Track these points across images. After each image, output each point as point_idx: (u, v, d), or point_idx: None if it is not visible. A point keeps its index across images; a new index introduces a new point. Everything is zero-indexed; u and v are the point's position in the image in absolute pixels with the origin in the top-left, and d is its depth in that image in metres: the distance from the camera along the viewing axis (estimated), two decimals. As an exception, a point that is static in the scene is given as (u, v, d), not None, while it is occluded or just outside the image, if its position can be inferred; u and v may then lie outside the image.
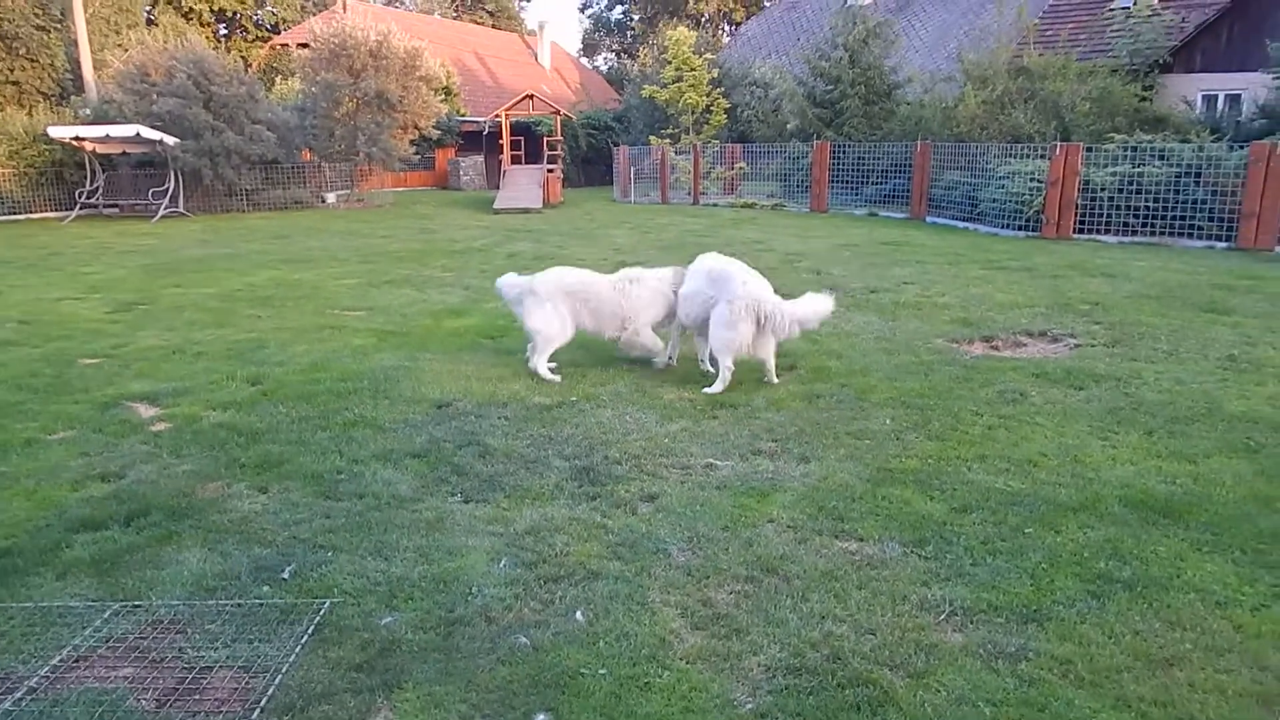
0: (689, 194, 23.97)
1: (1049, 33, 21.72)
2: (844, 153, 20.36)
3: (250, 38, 46.91)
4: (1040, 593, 3.44)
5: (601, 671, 3.00)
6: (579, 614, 3.34)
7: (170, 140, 20.10)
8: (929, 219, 17.50)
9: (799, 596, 3.45)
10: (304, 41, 26.44)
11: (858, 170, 20.07)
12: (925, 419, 5.47)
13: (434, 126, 25.48)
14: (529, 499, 4.40)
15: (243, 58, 34.39)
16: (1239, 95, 18.69)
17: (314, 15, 37.95)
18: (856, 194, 20.14)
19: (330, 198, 24.11)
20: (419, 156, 27.24)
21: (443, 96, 27.64)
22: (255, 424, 5.52)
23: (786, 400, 5.88)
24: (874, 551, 3.82)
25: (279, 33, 41.61)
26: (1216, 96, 19.58)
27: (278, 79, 30.46)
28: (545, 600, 3.45)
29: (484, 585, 3.56)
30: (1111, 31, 21.30)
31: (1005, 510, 4.17)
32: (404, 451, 5.03)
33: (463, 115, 32.15)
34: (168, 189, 20.85)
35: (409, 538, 3.98)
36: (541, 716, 2.78)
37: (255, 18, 47.70)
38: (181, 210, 21.05)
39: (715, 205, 22.67)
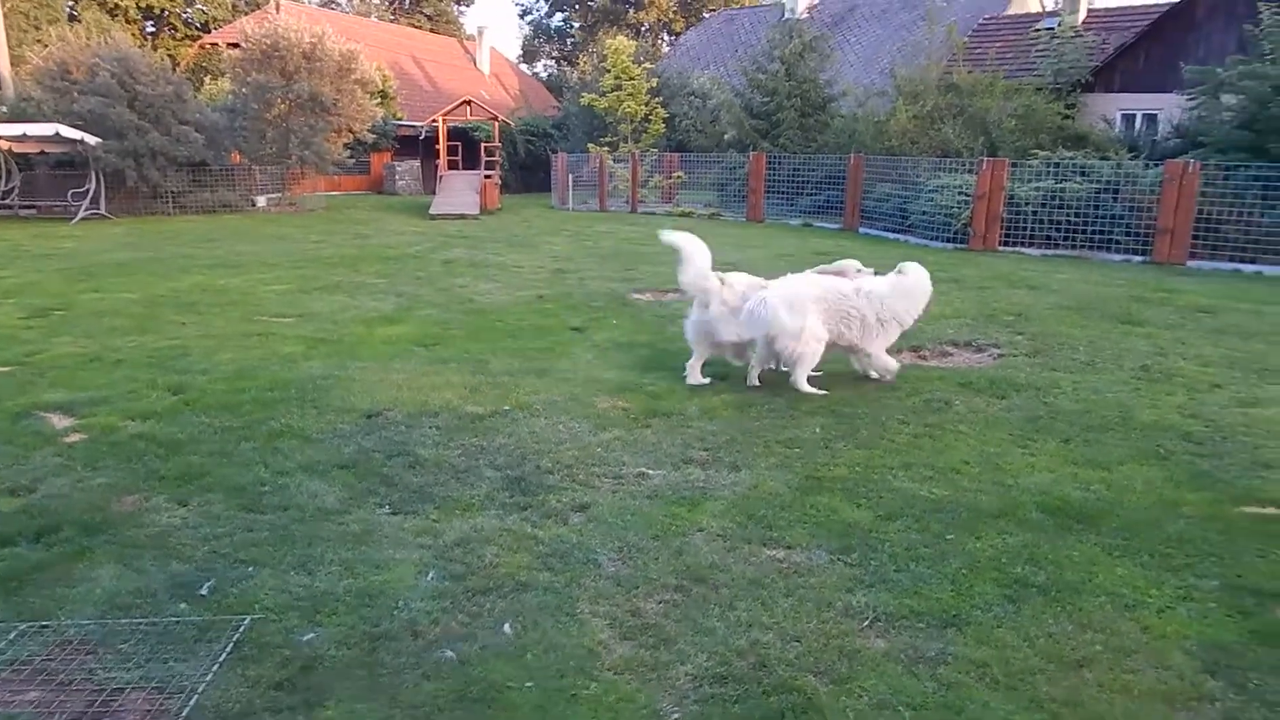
0: (627, 202, 24.05)
1: (978, 51, 22.41)
2: (780, 164, 20.65)
3: (179, 36, 45.67)
4: (960, 598, 3.53)
5: (529, 684, 2.99)
6: (507, 626, 3.32)
7: (91, 140, 19.44)
8: (862, 230, 17.84)
9: (727, 605, 3.48)
10: (235, 41, 25.84)
11: (793, 181, 20.37)
12: (854, 428, 5.57)
13: (369, 130, 25.10)
14: (459, 510, 4.36)
15: (170, 56, 33.41)
16: (1155, 115, 19.48)
17: (246, 15, 37.13)
18: (792, 205, 20.43)
19: (261, 201, 23.58)
20: (353, 160, 26.79)
21: (379, 100, 27.26)
22: (176, 434, 5.37)
23: (719, 409, 5.93)
24: (801, 559, 3.88)
25: (209, 32, 40.58)
26: (1134, 116, 20.39)
27: (207, 79, 29.71)
28: (473, 613, 3.42)
29: (411, 599, 3.51)
30: (1037, 51, 22.06)
31: (929, 517, 4.26)
32: (331, 462, 4.94)
33: (399, 119, 31.77)
34: (88, 190, 20.16)
35: (334, 551, 3.91)
36: (466, 731, 2.75)
37: (185, 16, 46.47)
38: (103, 212, 20.38)
39: (653, 213, 22.77)
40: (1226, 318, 8.90)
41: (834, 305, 6.26)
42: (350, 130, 24.23)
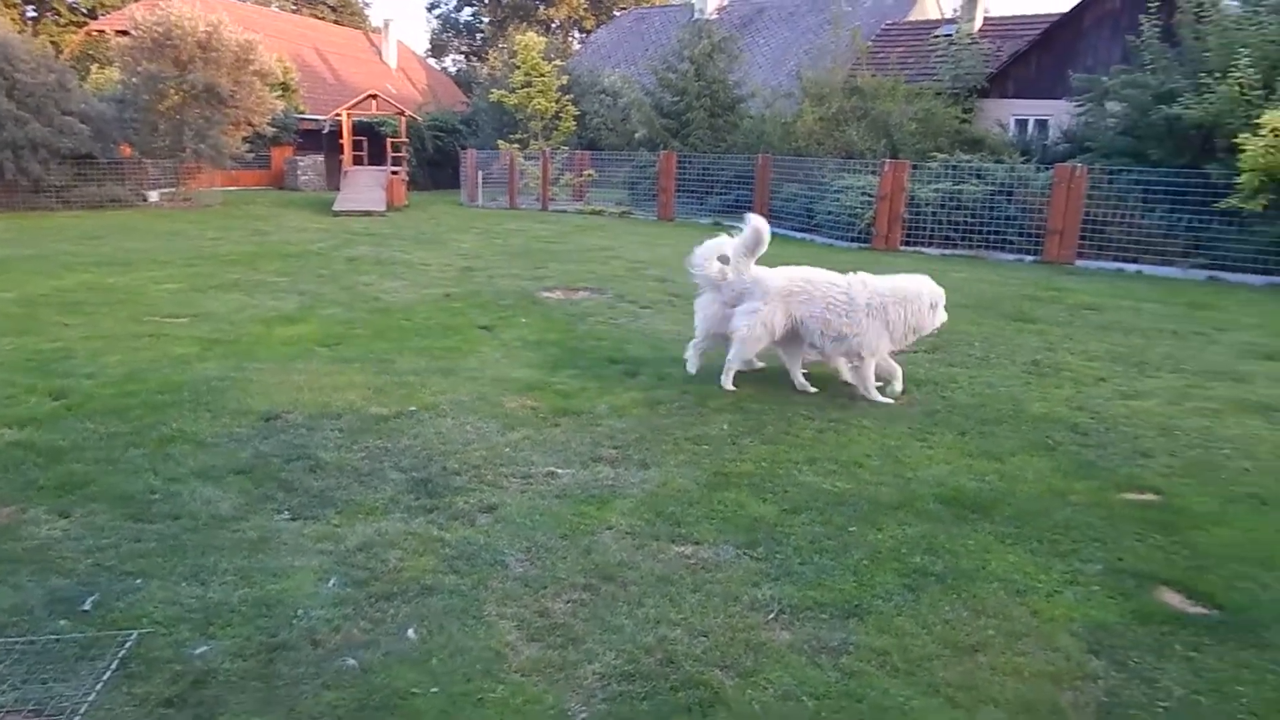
0: (538, 200, 23.89)
1: (880, 55, 23.00)
2: (690, 163, 20.83)
3: (63, 22, 43.28)
4: (862, 588, 3.62)
5: (433, 690, 2.93)
6: (411, 631, 3.26)
7: (-35, 130, 18.28)
8: (770, 230, 18.10)
9: (635, 602, 3.49)
10: (124, 29, 24.62)
11: (703, 180, 20.57)
12: (760, 424, 5.65)
13: (270, 124, 24.27)
14: (362, 514, 4.25)
15: (54, 43, 31.65)
16: (1046, 120, 20.37)
17: (135, 1, 35.50)
18: (702, 204, 20.63)
19: (153, 196, 22.55)
20: (253, 155, 25.88)
21: (279, 93, 26.40)
22: (57, 442, 5.09)
23: (629, 407, 5.94)
24: (709, 555, 3.91)
25: (96, 18, 38.57)
26: (1027, 121, 21.26)
27: (94, 68, 28.23)
28: (376, 619, 3.34)
29: (310, 607, 3.41)
30: (936, 57, 22.78)
31: (832, 510, 4.36)
32: (226, 468, 4.76)
33: (301, 113, 30.81)
34: (-39, 183, 18.96)
35: (229, 560, 3.77)
36: (368, 741, 2.68)
37: (69, 1, 44.12)
38: (-22, 207, 19.19)
39: (564, 211, 22.69)
40: (1110, 315, 9.36)
41: (817, 295, 6.27)
42: (249, 123, 23.38)
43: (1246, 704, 2.92)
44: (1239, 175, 11.94)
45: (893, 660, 3.12)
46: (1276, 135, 11.54)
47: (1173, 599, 3.58)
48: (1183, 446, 5.31)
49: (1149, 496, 4.60)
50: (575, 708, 2.87)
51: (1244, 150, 11.77)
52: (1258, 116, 12.04)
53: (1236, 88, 12.78)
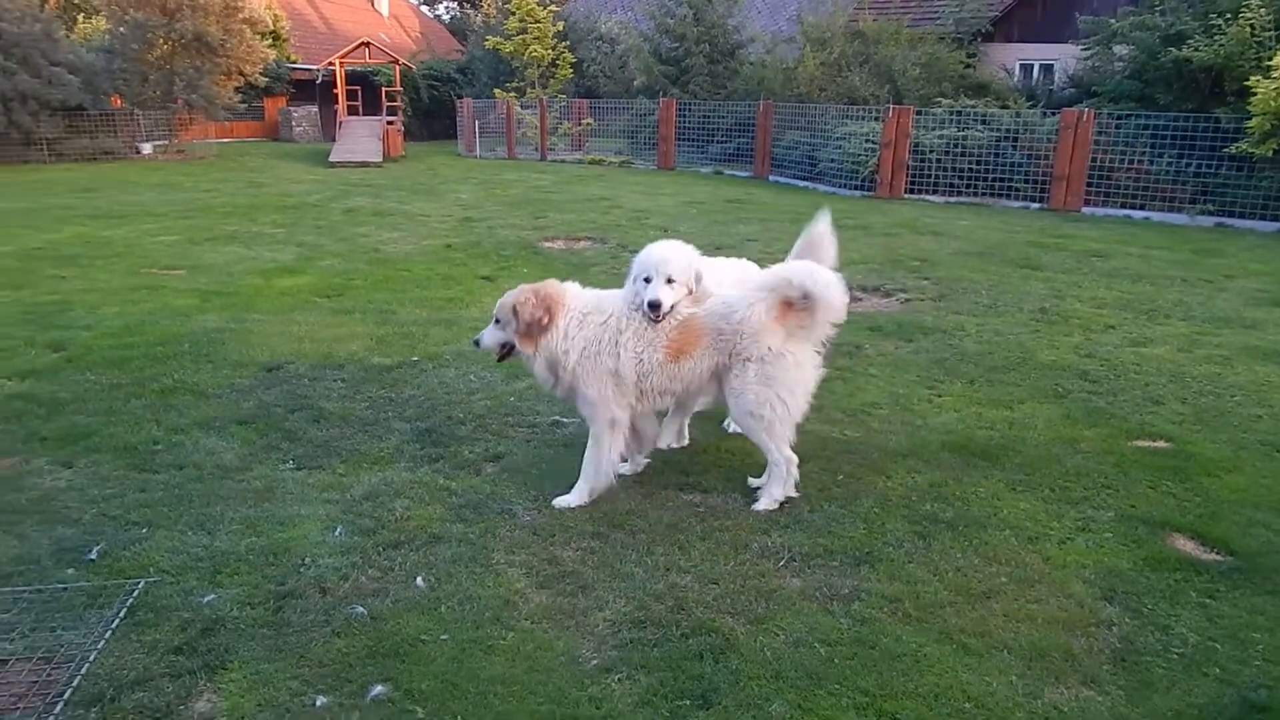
0: (536, 149, 23.56)
1: (882, -1, 22.48)
2: (690, 111, 20.50)
3: (47, -31, 42.35)
4: (872, 535, 3.59)
5: (443, 637, 2.92)
6: (420, 580, 3.23)
7: (-48, 81, 17.95)
8: (771, 178, 17.90)
9: (644, 550, 3.47)
10: (110, -25, 24.07)
11: (704, 128, 20.26)
12: (767, 372, 5.59)
13: (262, 74, 23.85)
14: (367, 464, 4.22)
15: (38, -9, 31.00)
16: (1052, 65, 19.98)
17: (122, -53, 34.63)
18: (703, 152, 20.35)
19: (146, 148, 22.24)
20: (246, 106, 25.45)
21: (270, 41, 25.88)
22: (58, 394, 5.04)
23: (633, 357, 5.87)
24: (718, 503, 3.89)
25: (81, -36, 37.73)
26: (1032, 66, 20.86)
27: (80, 17, 27.67)
28: (384, 568, 3.32)
29: (318, 555, 3.39)
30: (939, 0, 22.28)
31: (840, 458, 4.32)
32: (229, 418, 4.71)
33: (294, 62, 30.26)
34: (-49, 136, 18.69)
35: (235, 509, 3.74)
36: (379, 688, 2.67)
37: (52, -53, 43.08)
38: (-30, 160, 18.94)
39: (563, 161, 22.40)
40: (1118, 261, 9.26)
41: None
42: (241, 73, 22.97)
43: (1262, 650, 2.90)
44: (1249, 119, 11.73)
45: (904, 607, 3.10)
46: (1289, 78, 11.32)
47: (1186, 546, 3.56)
48: (1193, 394, 5.27)
49: (1160, 444, 4.56)
50: (587, 654, 2.85)
51: (1255, 93, 11.54)
52: (1269, 58, 11.80)
53: (1247, 28, 12.50)
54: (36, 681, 2.68)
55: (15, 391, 5.09)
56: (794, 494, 3.84)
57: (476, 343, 3.94)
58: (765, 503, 3.80)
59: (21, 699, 2.61)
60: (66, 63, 19.99)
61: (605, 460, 3.82)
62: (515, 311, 3.75)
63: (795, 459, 3.84)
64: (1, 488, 3.91)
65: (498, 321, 3.84)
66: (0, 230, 10.59)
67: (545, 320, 3.71)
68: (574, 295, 3.92)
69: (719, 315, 3.80)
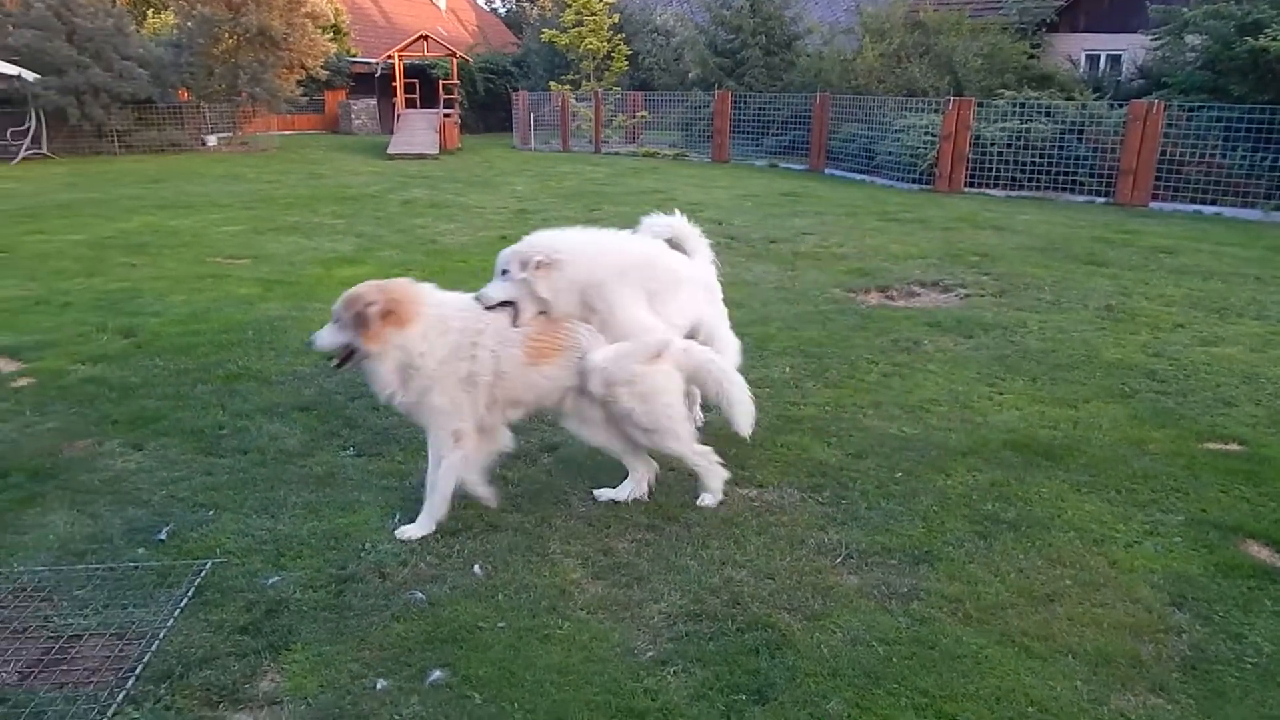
0: (590, 142, 23.64)
1: (944, -12, 22.06)
2: (745, 103, 20.37)
3: (119, -35, 43.58)
4: (931, 534, 3.54)
5: (500, 625, 2.94)
6: (477, 567, 3.27)
7: (30, 76, 18.55)
8: (827, 171, 17.71)
9: (699, 543, 3.46)
10: (178, -29, 24.69)
11: (759, 121, 20.12)
12: (823, 367, 5.54)
13: (322, 67, 24.29)
14: (425, 452, 4.26)
15: (110, -13, 31.92)
16: (1119, 56, 19.43)
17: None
18: (757, 144, 20.21)
19: (211, 140, 22.82)
20: (307, 99, 25.97)
21: (331, 35, 26.38)
22: (129, 378, 5.19)
23: (688, 349, 5.86)
24: (773, 498, 3.86)
25: (150, -39, 38.77)
26: (1099, 56, 20.31)
27: (149, 12, 28.45)
28: (442, 555, 3.36)
29: (378, 541, 3.44)
30: (1002, -11, 21.78)
31: (898, 455, 4.26)
32: (292, 405, 4.81)
33: (353, 56, 30.78)
34: (28, 129, 19.36)
35: (297, 494, 3.82)
36: (438, 673, 2.70)
37: (124, -56, 44.32)
38: (45, 152, 19.60)
39: (617, 154, 22.43)
40: (1187, 258, 8.98)
41: None
42: (302, 67, 23.44)
43: (1341, 660, 2.79)
44: (1330, 112, 11.29)
45: (965, 608, 3.05)
46: (1373, 68, 10.86)
47: (1260, 552, 3.44)
48: (1269, 395, 5.08)
49: (1233, 446, 4.41)
50: (642, 645, 2.85)
51: (1337, 85, 11.11)
52: (1353, 48, 11.33)
53: (1330, 17, 12.02)
54: (109, 656, 2.77)
55: (88, 375, 5.25)
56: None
57: (311, 343, 3.52)
58: (709, 499, 3.75)
59: (95, 673, 2.70)
60: (137, 57, 20.58)
61: (448, 483, 3.50)
62: (354, 308, 3.33)
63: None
64: (76, 468, 4.04)
65: (337, 320, 3.40)
66: (74, 219, 10.95)
67: (391, 317, 3.31)
68: (430, 296, 3.52)
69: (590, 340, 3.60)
